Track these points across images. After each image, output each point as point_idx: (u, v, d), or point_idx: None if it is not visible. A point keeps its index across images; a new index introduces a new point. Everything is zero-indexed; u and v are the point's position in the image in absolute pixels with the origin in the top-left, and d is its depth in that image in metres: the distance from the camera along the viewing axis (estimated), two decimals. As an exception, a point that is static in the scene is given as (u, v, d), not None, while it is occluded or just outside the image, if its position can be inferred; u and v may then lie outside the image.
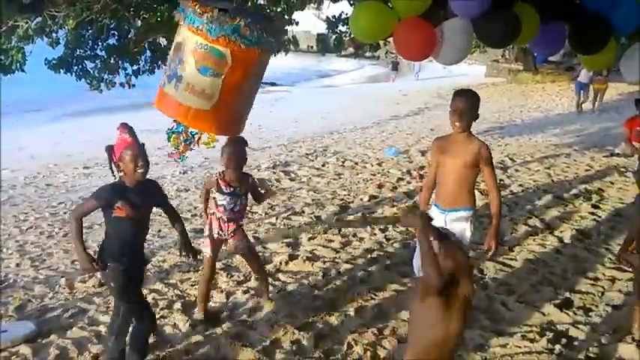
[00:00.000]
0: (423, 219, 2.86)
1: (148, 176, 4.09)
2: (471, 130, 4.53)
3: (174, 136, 4.01)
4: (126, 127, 4.12)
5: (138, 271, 4.27)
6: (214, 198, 4.88)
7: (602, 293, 5.41)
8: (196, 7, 3.50)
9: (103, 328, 5.01)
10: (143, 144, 4.09)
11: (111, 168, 4.28)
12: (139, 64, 9.38)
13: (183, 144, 4.00)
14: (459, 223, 4.50)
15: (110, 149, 4.20)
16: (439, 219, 4.64)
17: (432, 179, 4.76)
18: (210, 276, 5.12)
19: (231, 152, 4.73)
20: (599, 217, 7.61)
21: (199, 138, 4.00)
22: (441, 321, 2.69)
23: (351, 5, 8.33)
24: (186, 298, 5.54)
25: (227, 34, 3.40)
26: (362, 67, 43.34)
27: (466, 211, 4.54)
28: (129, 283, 4.15)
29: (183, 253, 4.52)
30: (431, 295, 2.67)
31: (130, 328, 4.30)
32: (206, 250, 5.00)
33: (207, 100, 3.53)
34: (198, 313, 5.11)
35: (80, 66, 9.02)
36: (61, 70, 8.83)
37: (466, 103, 4.41)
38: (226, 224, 4.92)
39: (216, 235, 4.95)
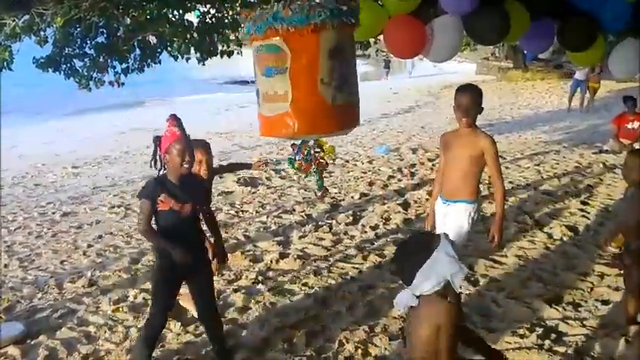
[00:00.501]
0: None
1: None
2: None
3: (297, 162, 3.83)
4: (175, 120, 4.04)
5: (184, 269, 4.08)
6: None
7: (592, 289, 5.42)
8: (244, 15, 3.33)
9: (92, 329, 4.99)
10: (189, 137, 4.03)
11: (154, 159, 4.19)
12: (128, 63, 9.33)
13: (303, 164, 3.81)
14: (458, 215, 4.51)
15: (157, 140, 4.12)
16: (441, 209, 4.68)
17: (442, 174, 4.77)
18: None
19: (202, 156, 4.66)
20: (588, 213, 7.64)
21: (321, 156, 3.80)
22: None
23: (341, 3, 8.30)
24: (177, 299, 5.51)
25: (271, 24, 3.08)
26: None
27: (467, 203, 4.52)
28: (164, 282, 4.11)
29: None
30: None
31: None
32: None
33: (284, 101, 3.19)
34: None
35: (69, 64, 8.97)
36: (50, 69, 8.77)
37: (470, 98, 4.42)
38: None
39: None
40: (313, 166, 3.63)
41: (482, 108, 4.51)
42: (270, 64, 3.16)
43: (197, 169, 4.65)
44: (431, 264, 2.51)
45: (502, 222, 4.61)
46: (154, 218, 4.01)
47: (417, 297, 2.57)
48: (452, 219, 4.55)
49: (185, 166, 3.94)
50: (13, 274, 6.45)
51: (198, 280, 4.27)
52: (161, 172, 4.11)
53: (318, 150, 3.65)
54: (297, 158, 3.64)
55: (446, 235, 2.61)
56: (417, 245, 2.66)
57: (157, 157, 4.14)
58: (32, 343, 4.79)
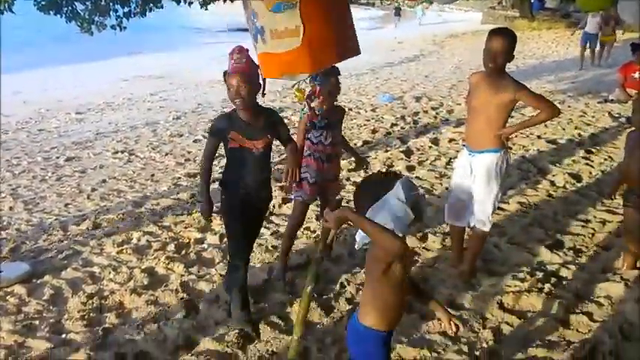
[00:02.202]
0: (349, 211, 2.55)
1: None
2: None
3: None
4: (238, 52, 3.85)
5: (252, 206, 4.09)
6: (309, 138, 4.54)
7: (593, 235, 5.45)
8: None
9: (97, 269, 5.05)
10: (257, 67, 3.85)
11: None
12: (130, 7, 9.22)
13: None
14: (484, 165, 4.40)
15: (225, 75, 4.02)
16: (465, 161, 4.56)
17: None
18: (300, 222, 4.84)
19: (332, 82, 4.37)
20: (592, 161, 7.63)
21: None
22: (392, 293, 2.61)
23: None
24: (180, 240, 5.56)
25: None
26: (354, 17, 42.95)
27: (493, 152, 4.38)
28: (236, 217, 4.05)
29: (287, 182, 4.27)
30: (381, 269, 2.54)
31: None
32: (299, 194, 4.62)
33: (296, 36, 3.12)
34: (278, 271, 4.82)
35: (70, 7, 8.86)
36: (51, 12, 8.67)
37: (500, 43, 4.20)
38: (324, 164, 4.58)
39: (313, 180, 4.56)
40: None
41: (514, 56, 4.30)
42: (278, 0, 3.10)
43: (324, 96, 4.40)
44: (381, 204, 2.49)
45: (518, 129, 4.72)
46: (226, 155, 4.00)
47: None
48: (478, 171, 4.44)
49: (237, 101, 3.81)
50: (18, 216, 6.51)
51: (256, 218, 4.27)
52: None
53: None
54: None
55: (406, 180, 2.53)
56: (375, 184, 2.61)
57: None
58: (38, 282, 4.85)
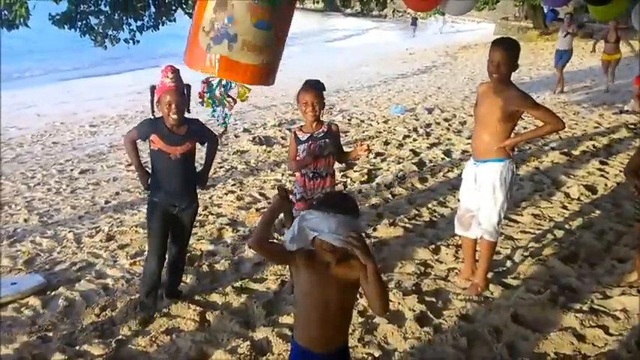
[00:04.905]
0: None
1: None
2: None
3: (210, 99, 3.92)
4: (169, 71, 4.05)
5: (170, 208, 4.36)
6: (297, 154, 4.43)
7: (608, 247, 5.41)
8: None
9: (110, 282, 5.05)
10: (187, 87, 4.10)
11: (152, 107, 4.24)
12: (143, 20, 9.29)
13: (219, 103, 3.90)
14: (488, 175, 4.40)
15: (153, 89, 4.16)
16: (471, 171, 4.59)
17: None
18: None
19: (311, 97, 4.32)
20: (607, 173, 7.58)
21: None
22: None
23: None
24: (192, 252, 5.55)
25: None
26: (366, 28, 43.25)
27: (497, 162, 4.38)
28: (154, 215, 4.36)
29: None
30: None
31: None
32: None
33: (264, 54, 3.29)
34: (289, 284, 4.81)
35: (84, 22, 8.93)
36: (65, 26, 8.74)
37: (504, 53, 4.22)
38: (312, 181, 4.43)
39: (299, 195, 4.45)
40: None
41: (518, 65, 4.31)
42: (264, 19, 3.24)
43: (303, 111, 4.41)
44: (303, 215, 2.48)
45: (520, 140, 4.76)
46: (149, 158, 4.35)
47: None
48: (483, 181, 4.45)
49: (172, 116, 4.08)
50: (33, 228, 6.54)
51: (180, 220, 4.46)
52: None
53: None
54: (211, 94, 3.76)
55: (340, 221, 2.42)
56: (324, 199, 2.67)
57: (155, 106, 4.20)
58: (52, 294, 4.86)
